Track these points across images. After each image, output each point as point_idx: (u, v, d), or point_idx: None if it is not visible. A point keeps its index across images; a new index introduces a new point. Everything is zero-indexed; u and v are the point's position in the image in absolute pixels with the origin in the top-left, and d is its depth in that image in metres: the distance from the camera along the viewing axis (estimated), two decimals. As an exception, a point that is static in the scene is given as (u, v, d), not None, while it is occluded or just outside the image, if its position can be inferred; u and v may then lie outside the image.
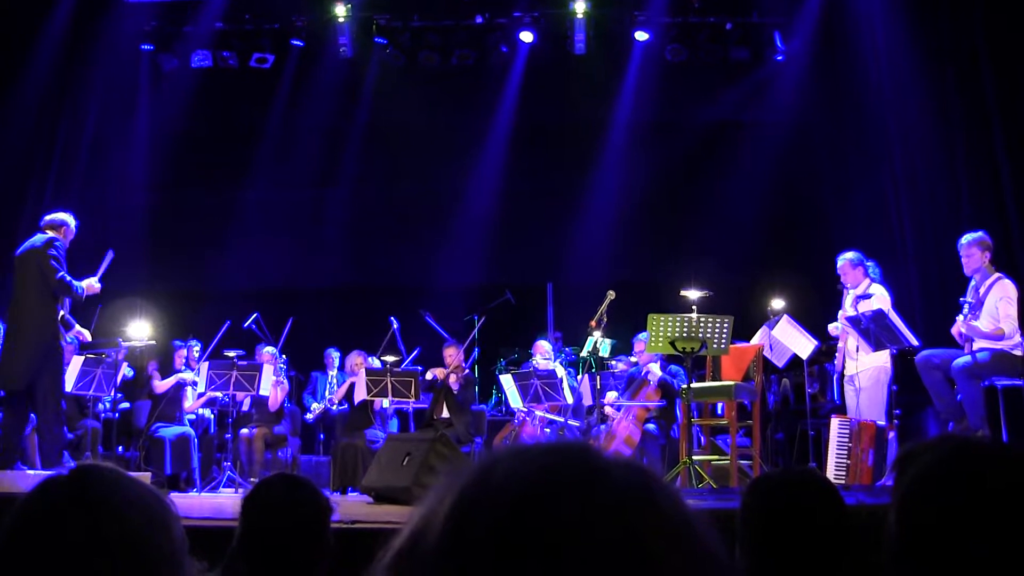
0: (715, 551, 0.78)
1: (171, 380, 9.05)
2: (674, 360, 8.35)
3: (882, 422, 7.04)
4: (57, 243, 7.14)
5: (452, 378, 8.88)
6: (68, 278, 7.09)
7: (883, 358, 7.12)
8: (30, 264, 7.10)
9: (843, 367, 7.49)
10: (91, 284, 7.32)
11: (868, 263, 7.52)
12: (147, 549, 1.22)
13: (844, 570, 2.25)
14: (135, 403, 9.31)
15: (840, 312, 7.45)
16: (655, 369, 8.56)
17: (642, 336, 8.63)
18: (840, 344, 7.51)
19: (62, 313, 7.19)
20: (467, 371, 9.19)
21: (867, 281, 7.44)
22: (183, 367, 9.26)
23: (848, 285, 7.46)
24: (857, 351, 7.26)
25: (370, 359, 9.39)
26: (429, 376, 8.96)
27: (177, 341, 9.43)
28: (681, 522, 0.78)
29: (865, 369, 7.22)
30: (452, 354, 9.06)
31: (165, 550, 1.25)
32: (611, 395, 8.69)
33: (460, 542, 0.74)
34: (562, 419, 8.65)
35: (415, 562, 0.76)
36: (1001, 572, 1.15)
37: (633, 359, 9.04)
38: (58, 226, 7.29)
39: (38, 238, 7.22)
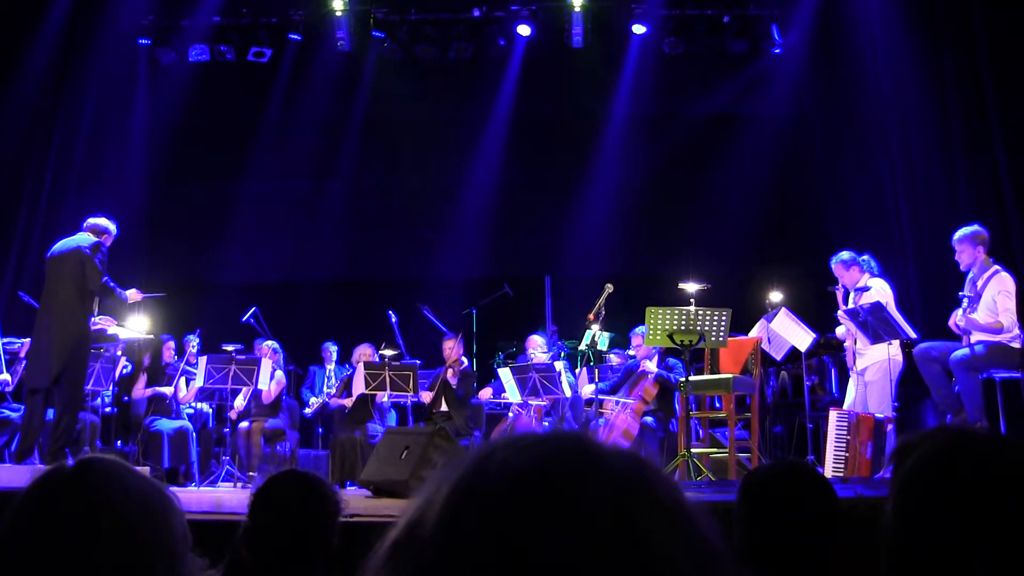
0: (712, 539, 0.78)
1: (149, 391, 9.01)
2: (672, 353, 8.35)
3: (889, 415, 7.03)
4: (103, 248, 7.26)
5: (450, 373, 8.87)
6: (112, 283, 7.23)
7: (889, 351, 7.10)
8: (71, 263, 7.16)
9: (854, 362, 7.46)
10: (134, 293, 7.63)
11: (861, 258, 7.50)
12: (145, 542, 1.23)
13: (837, 560, 2.26)
14: (133, 398, 9.30)
15: (840, 312, 7.43)
16: (650, 366, 8.55)
17: (639, 330, 8.63)
18: (848, 343, 7.49)
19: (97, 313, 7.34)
20: (465, 365, 9.17)
21: (865, 276, 7.42)
22: (173, 359, 9.20)
23: (846, 285, 7.44)
24: (855, 343, 7.26)
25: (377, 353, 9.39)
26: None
27: (165, 335, 9.38)
28: (678, 510, 0.77)
29: (872, 363, 7.21)
30: (451, 346, 9.05)
31: (164, 544, 1.25)
32: (587, 388, 8.65)
33: (455, 531, 0.74)
34: (557, 397, 8.62)
35: (411, 552, 0.76)
36: (998, 563, 1.15)
37: (631, 352, 9.03)
38: (101, 231, 7.41)
39: (83, 239, 7.27)
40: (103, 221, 7.49)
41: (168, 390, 8.93)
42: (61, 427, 7.01)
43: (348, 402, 8.98)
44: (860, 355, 7.27)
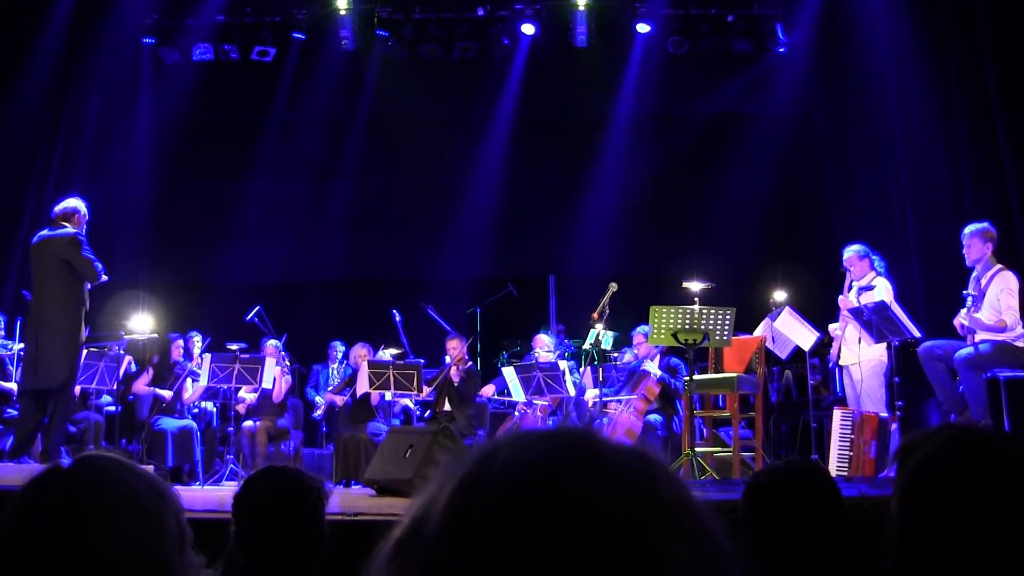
0: (717, 536, 0.78)
1: (149, 389, 8.99)
2: (675, 352, 8.33)
3: (883, 413, 7.03)
4: (80, 236, 7.03)
5: (453, 371, 8.87)
6: (100, 265, 7.05)
7: (881, 350, 7.09)
8: (49, 257, 7.00)
9: (839, 356, 7.46)
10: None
11: (874, 256, 7.50)
12: (131, 541, 1.21)
13: (842, 559, 2.27)
14: (136, 395, 9.31)
15: (840, 297, 7.41)
16: (653, 368, 8.53)
17: (641, 329, 8.61)
18: (839, 333, 7.47)
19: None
20: (469, 364, 9.16)
21: (872, 274, 7.42)
22: (181, 358, 9.21)
23: (854, 277, 7.44)
24: (859, 342, 7.23)
25: (376, 353, 9.37)
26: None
27: (172, 334, 9.37)
28: (683, 507, 0.77)
29: (865, 360, 7.20)
30: (455, 347, 9.04)
31: (152, 543, 1.23)
32: (591, 393, 8.63)
33: (459, 528, 0.74)
34: (562, 396, 8.60)
35: (416, 549, 0.76)
36: (1002, 560, 1.15)
37: (627, 356, 8.96)
38: (71, 214, 7.17)
39: (60, 231, 7.06)
40: (71, 203, 7.19)
41: (168, 393, 8.88)
42: (57, 426, 6.95)
43: (359, 388, 8.96)
44: (851, 350, 7.24)
